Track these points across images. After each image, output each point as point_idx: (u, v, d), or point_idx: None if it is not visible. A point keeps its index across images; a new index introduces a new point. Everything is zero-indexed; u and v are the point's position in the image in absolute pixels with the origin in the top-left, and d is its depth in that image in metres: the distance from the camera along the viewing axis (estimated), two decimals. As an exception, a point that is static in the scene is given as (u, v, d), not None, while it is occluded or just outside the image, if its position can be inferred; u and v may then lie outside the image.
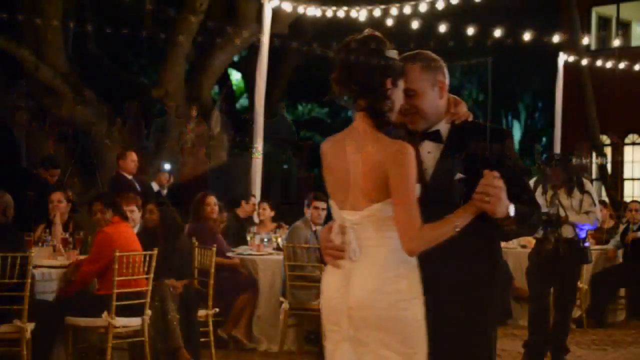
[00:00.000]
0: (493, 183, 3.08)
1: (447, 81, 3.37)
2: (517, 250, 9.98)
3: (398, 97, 3.26)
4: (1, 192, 6.39)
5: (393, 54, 3.26)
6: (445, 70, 3.37)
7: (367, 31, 3.29)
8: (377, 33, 3.28)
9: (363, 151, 3.19)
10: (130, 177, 10.30)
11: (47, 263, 6.71)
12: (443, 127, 3.36)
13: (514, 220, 3.14)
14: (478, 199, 3.10)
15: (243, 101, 24.10)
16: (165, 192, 11.05)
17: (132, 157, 10.32)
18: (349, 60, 3.21)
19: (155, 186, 11.04)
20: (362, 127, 3.22)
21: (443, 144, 3.33)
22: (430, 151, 3.33)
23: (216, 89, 20.70)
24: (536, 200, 3.39)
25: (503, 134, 3.38)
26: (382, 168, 3.13)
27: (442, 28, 12.69)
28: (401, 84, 3.27)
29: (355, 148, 3.21)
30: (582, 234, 7.94)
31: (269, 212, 10.31)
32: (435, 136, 3.34)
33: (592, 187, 8.34)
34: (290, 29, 15.33)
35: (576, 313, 9.79)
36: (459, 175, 3.26)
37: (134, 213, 7.51)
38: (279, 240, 8.95)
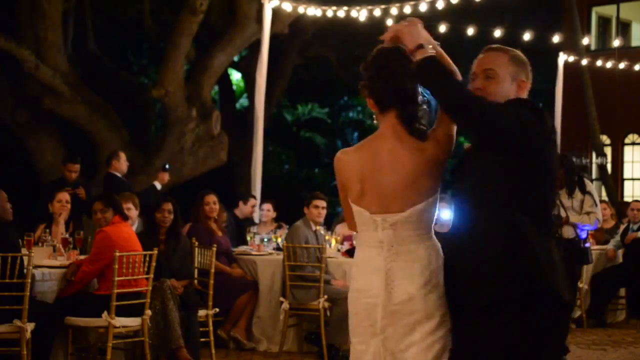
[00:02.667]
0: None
1: (528, 85, 3.37)
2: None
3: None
4: None
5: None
6: (530, 75, 3.38)
7: (386, 42, 3.33)
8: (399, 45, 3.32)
9: (403, 155, 3.27)
10: (121, 176, 10.30)
11: (47, 263, 6.69)
12: None
13: (422, 59, 3.18)
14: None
15: (243, 101, 24.07)
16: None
17: (124, 157, 10.37)
18: (386, 71, 3.27)
19: (158, 185, 11.03)
20: (395, 131, 3.30)
21: None
22: None
23: (216, 88, 20.68)
24: (479, 99, 3.22)
25: (533, 108, 3.30)
26: (425, 166, 3.25)
27: (442, 28, 12.70)
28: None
29: (393, 153, 3.28)
30: (583, 235, 7.92)
31: (272, 214, 10.30)
32: None
33: (593, 188, 8.32)
34: (290, 29, 15.32)
35: (576, 313, 9.79)
36: (466, 145, 3.45)
37: (131, 211, 7.50)
38: (279, 240, 8.94)
